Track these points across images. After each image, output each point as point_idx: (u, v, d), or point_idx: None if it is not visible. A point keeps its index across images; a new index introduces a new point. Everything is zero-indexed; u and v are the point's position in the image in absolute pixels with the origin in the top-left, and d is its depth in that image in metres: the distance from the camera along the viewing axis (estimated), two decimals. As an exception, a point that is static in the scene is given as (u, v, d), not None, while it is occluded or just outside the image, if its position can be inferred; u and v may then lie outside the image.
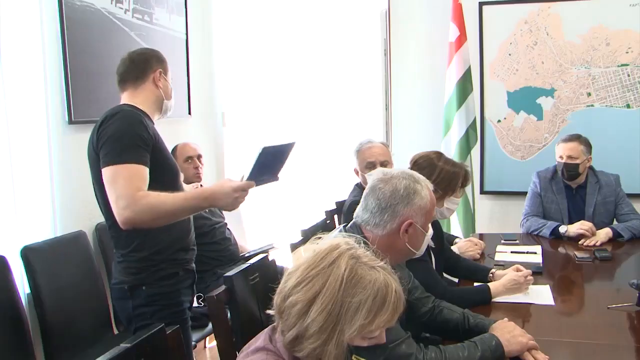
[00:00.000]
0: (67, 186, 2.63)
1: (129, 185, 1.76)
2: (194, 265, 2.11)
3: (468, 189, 3.74)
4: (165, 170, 1.93)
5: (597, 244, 2.86)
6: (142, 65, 2.01)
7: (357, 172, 2.86)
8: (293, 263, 1.20)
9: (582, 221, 3.00)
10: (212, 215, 3.25)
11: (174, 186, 1.95)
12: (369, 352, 1.13)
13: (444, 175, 2.26)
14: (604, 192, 3.14)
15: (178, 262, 2.00)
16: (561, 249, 2.88)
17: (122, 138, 1.80)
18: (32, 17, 2.50)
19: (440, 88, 3.87)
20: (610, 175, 3.19)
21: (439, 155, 2.34)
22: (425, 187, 1.65)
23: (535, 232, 3.11)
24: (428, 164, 2.26)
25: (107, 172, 1.79)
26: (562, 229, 3.00)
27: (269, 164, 1.95)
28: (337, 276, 1.12)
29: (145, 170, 1.82)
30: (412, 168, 2.21)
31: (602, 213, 3.09)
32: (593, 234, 2.92)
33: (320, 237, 1.29)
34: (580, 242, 2.90)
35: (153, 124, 2.00)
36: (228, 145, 4.37)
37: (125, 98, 2.00)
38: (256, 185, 1.90)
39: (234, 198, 1.85)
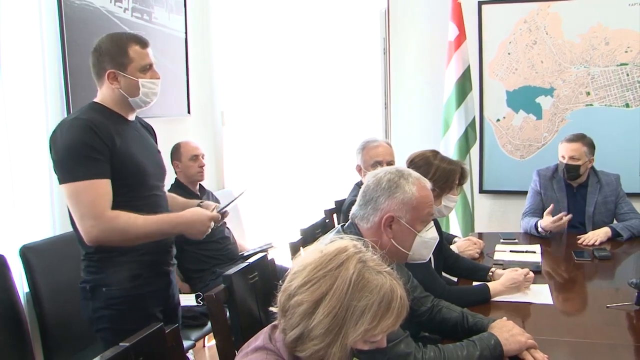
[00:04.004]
0: (66, 185, 2.63)
1: (95, 204, 1.72)
2: (170, 268, 2.02)
3: (467, 188, 3.76)
4: (130, 173, 1.84)
5: (597, 242, 2.86)
6: (96, 66, 1.88)
7: (359, 170, 2.85)
8: (296, 263, 1.19)
9: (558, 216, 2.97)
10: (211, 214, 3.25)
11: (140, 187, 1.88)
12: (369, 355, 1.13)
13: (440, 173, 2.26)
14: (605, 191, 3.14)
15: (144, 263, 1.89)
16: (560, 249, 2.88)
17: (74, 152, 1.73)
18: (31, 15, 2.50)
19: (439, 87, 3.87)
20: (611, 175, 3.19)
21: (435, 153, 2.34)
22: (412, 183, 1.64)
23: (528, 232, 3.13)
24: (424, 162, 2.26)
25: (66, 190, 1.74)
26: (540, 223, 3.01)
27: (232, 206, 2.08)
28: (345, 279, 1.11)
29: (107, 184, 1.76)
30: (408, 167, 2.21)
31: (602, 212, 3.09)
32: (561, 222, 2.91)
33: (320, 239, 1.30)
34: (579, 242, 2.90)
35: (126, 119, 1.91)
36: (227, 145, 4.37)
37: (98, 93, 1.91)
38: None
39: (207, 227, 1.87)
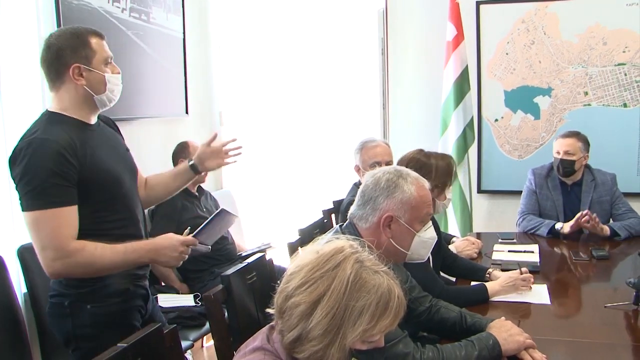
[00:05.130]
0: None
1: (56, 235, 1.59)
2: (147, 282, 1.93)
3: (465, 188, 3.77)
4: (105, 184, 1.73)
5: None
6: (55, 64, 1.70)
7: (358, 170, 2.86)
8: (292, 264, 1.19)
9: (576, 216, 2.98)
10: (210, 215, 3.24)
11: (117, 197, 1.78)
12: (368, 355, 1.13)
13: (440, 169, 2.27)
14: (600, 190, 3.13)
15: (131, 277, 1.79)
16: (558, 249, 2.88)
17: (37, 180, 1.58)
18: (29, 16, 2.49)
19: (437, 87, 3.87)
20: (607, 174, 3.18)
21: (425, 153, 2.32)
22: (410, 182, 1.65)
23: (532, 231, 3.11)
24: (420, 165, 2.24)
25: (27, 218, 1.61)
26: (558, 225, 3.00)
27: (215, 229, 1.92)
28: (342, 279, 1.11)
29: (72, 211, 1.63)
30: None
31: (597, 212, 3.05)
32: (594, 222, 2.91)
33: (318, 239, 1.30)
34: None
35: (88, 124, 1.76)
36: (225, 145, 4.36)
37: (52, 100, 1.75)
38: (196, 246, 1.82)
39: (180, 252, 1.74)
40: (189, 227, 1.94)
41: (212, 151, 2.07)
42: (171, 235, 1.81)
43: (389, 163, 2.76)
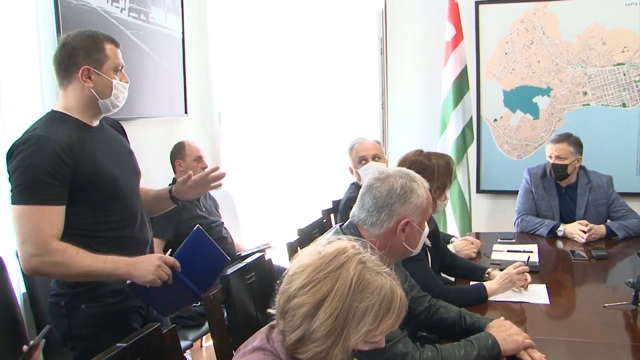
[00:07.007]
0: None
1: (38, 232, 1.59)
2: None
3: (464, 187, 3.77)
4: (101, 186, 1.73)
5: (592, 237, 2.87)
6: (66, 63, 1.72)
7: (351, 171, 2.90)
8: (293, 264, 1.19)
9: (579, 221, 2.97)
10: (209, 214, 3.25)
11: (115, 199, 1.77)
12: (369, 355, 1.14)
13: (442, 169, 2.27)
14: (595, 193, 3.11)
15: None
16: (558, 248, 2.88)
17: (28, 174, 1.60)
18: (28, 16, 2.50)
19: (436, 87, 3.87)
20: (602, 177, 3.15)
21: (425, 154, 2.32)
22: (421, 185, 1.67)
23: (532, 231, 3.10)
24: (423, 167, 2.22)
25: (13, 211, 1.62)
26: (560, 232, 2.99)
27: (200, 262, 1.83)
28: (346, 280, 1.12)
29: (58, 210, 1.64)
30: None
31: (592, 215, 3.05)
32: (593, 231, 2.89)
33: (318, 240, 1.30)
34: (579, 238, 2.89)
35: (89, 126, 1.78)
36: (225, 145, 4.37)
37: (59, 99, 1.78)
38: (178, 281, 1.75)
39: (156, 266, 1.68)
40: (170, 250, 1.91)
41: (191, 185, 2.00)
42: (152, 254, 1.82)
43: (375, 156, 2.82)
